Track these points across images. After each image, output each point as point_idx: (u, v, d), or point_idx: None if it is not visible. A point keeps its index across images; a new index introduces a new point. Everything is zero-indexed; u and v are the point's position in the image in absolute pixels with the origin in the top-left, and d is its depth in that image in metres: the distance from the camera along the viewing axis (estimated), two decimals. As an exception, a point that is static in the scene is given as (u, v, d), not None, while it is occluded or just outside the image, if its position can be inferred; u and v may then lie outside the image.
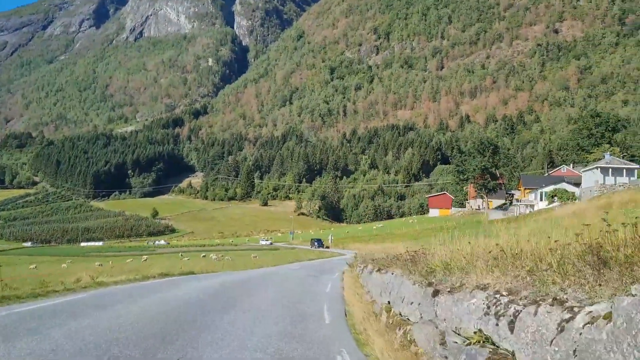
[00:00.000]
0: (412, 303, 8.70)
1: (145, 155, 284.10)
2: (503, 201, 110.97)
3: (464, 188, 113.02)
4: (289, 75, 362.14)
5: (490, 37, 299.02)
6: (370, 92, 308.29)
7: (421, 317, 8.01)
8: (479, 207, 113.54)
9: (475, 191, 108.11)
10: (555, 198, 62.06)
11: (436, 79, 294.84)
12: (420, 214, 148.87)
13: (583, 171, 64.33)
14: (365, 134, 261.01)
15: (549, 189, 64.60)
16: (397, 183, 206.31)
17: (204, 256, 57.84)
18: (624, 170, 60.18)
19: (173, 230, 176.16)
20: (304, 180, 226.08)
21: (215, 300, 15.51)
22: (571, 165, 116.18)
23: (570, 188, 62.99)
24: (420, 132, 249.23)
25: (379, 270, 14.94)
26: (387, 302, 11.71)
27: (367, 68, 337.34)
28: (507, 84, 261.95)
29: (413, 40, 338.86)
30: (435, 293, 7.21)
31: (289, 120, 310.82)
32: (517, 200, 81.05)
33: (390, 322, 10.22)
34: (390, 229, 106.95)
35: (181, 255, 64.51)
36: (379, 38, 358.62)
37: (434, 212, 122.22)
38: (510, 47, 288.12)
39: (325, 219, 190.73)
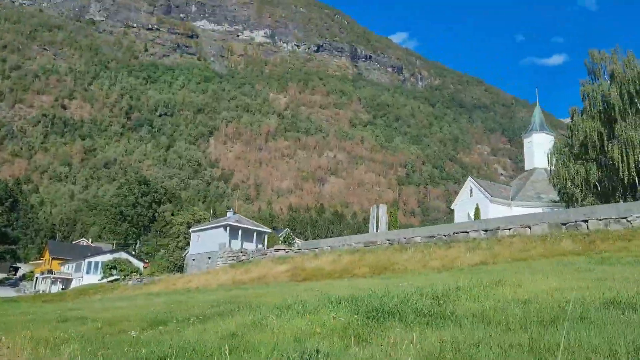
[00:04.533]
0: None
1: None
2: (5, 275, 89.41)
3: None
4: None
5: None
6: None
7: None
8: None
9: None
10: (115, 271, 50.53)
11: None
12: None
13: (193, 231, 53.86)
14: None
15: (106, 258, 52.00)
16: None
17: None
18: (255, 232, 51.84)
19: None
20: None
21: None
22: (90, 239, 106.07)
23: (133, 260, 52.73)
24: None
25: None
26: None
27: None
28: (3, 147, 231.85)
29: None
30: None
31: None
32: (49, 272, 63.25)
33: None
34: None
35: None
36: None
37: None
38: (12, 109, 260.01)
39: None
